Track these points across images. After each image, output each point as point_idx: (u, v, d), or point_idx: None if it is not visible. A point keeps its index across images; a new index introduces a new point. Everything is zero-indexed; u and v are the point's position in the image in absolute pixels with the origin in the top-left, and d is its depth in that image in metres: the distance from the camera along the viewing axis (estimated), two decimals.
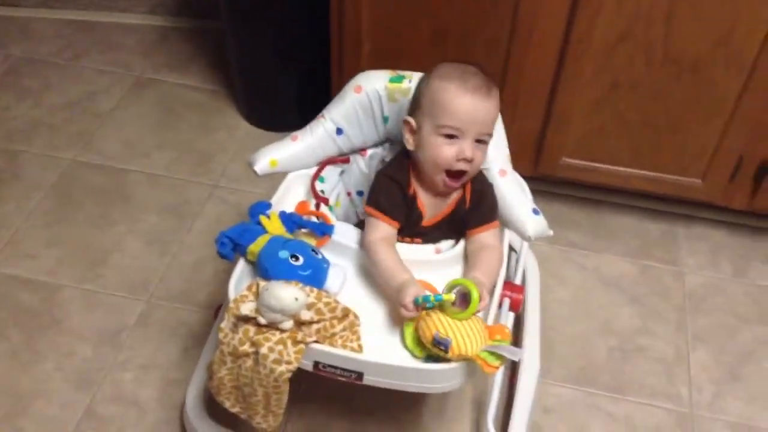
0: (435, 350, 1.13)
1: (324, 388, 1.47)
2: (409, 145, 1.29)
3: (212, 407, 1.40)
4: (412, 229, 1.32)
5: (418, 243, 1.33)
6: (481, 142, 1.25)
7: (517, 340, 1.58)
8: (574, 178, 1.87)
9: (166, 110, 2.24)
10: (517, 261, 1.58)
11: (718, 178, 1.78)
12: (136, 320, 1.67)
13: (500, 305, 1.34)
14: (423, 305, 1.14)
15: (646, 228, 1.96)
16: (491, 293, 1.24)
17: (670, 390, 1.62)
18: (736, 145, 1.71)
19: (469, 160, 1.24)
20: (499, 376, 1.45)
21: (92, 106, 2.23)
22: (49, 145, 2.09)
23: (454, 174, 1.25)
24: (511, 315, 1.38)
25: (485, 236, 1.31)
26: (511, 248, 1.55)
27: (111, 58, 2.41)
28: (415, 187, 1.30)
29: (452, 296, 1.14)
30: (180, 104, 2.26)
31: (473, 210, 1.31)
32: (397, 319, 1.22)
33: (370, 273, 1.29)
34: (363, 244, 1.28)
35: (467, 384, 1.53)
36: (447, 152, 1.24)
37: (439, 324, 1.12)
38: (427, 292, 1.16)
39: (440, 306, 1.14)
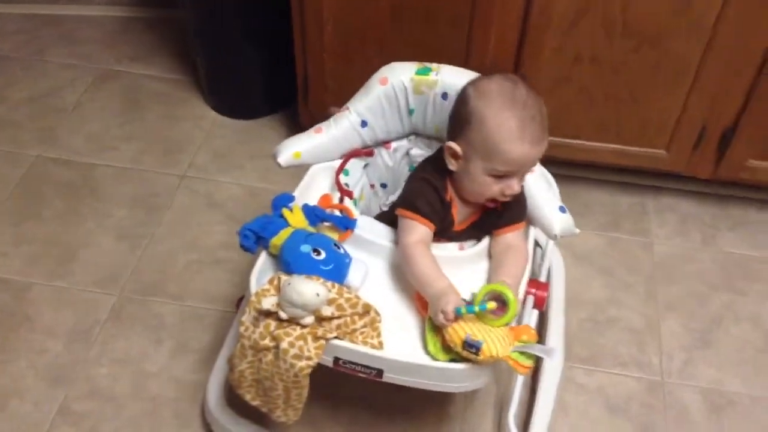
0: (465, 353, 1.11)
1: (346, 384, 1.46)
2: (452, 166, 1.25)
3: (233, 399, 1.40)
4: (442, 234, 1.31)
5: (444, 242, 1.32)
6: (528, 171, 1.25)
7: (541, 337, 1.58)
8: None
9: (131, 102, 2.22)
10: (542, 257, 1.57)
11: (683, 148, 1.80)
12: (108, 315, 1.67)
13: (524, 303, 1.33)
14: (465, 315, 1.12)
15: (616, 201, 1.98)
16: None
17: (642, 359, 1.64)
18: (699, 114, 1.73)
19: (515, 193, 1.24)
20: (519, 376, 1.44)
21: (56, 100, 2.21)
22: (14, 141, 2.07)
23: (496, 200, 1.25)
24: (535, 312, 1.37)
25: (511, 237, 1.30)
26: (536, 244, 1.54)
27: (73, 51, 2.38)
28: (452, 194, 1.28)
29: (494, 304, 1.13)
30: (145, 95, 2.24)
31: (504, 212, 1.30)
32: (419, 317, 1.21)
33: (393, 269, 1.28)
34: (399, 246, 1.26)
35: (491, 383, 1.54)
36: (494, 189, 1.23)
37: (467, 327, 1.11)
38: (469, 304, 1.14)
39: (479, 315, 1.13)
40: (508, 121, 1.16)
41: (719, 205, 1.98)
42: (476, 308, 1.12)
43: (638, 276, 1.81)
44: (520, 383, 1.45)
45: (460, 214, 1.30)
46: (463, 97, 1.24)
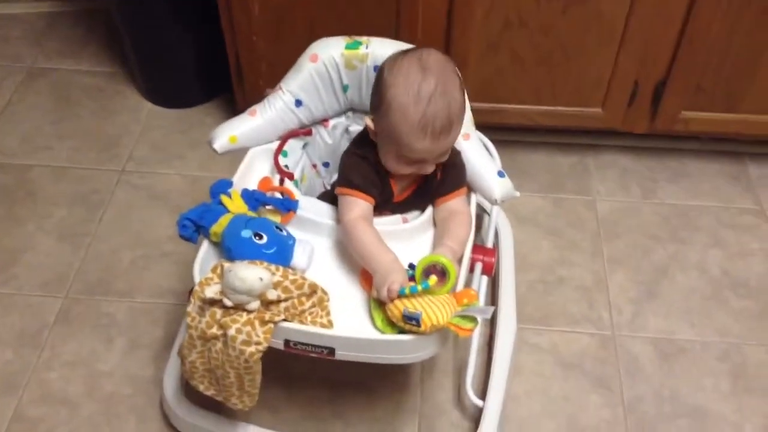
0: (407, 327, 1.11)
1: (301, 365, 1.46)
2: (372, 136, 1.25)
3: (190, 391, 1.37)
4: (383, 206, 1.30)
5: (386, 215, 1.32)
6: (445, 152, 1.24)
7: (493, 303, 1.60)
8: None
9: (63, 99, 2.17)
10: (488, 223, 1.57)
11: (617, 104, 1.82)
12: (56, 317, 1.64)
13: (472, 269, 1.34)
14: (409, 295, 1.12)
15: (557, 162, 2.00)
16: (461, 261, 1.23)
17: (592, 315, 1.67)
18: (630, 70, 1.75)
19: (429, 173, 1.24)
20: (475, 340, 1.45)
21: None
22: None
23: None
24: (485, 278, 1.38)
25: (454, 203, 1.31)
26: (482, 209, 1.54)
27: None
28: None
29: (435, 279, 1.13)
30: (77, 91, 2.19)
31: (444, 180, 1.30)
32: (366, 294, 1.21)
33: (339, 247, 1.27)
34: (341, 224, 1.25)
35: (448, 351, 1.56)
36: (407, 170, 1.23)
37: (406, 301, 1.11)
38: (412, 284, 1.14)
39: (425, 292, 1.13)
40: (411, 115, 1.15)
41: (657, 158, 2.02)
42: (419, 287, 1.12)
43: (584, 234, 1.84)
44: (475, 349, 1.47)
45: (398, 185, 1.30)
46: (378, 76, 1.23)
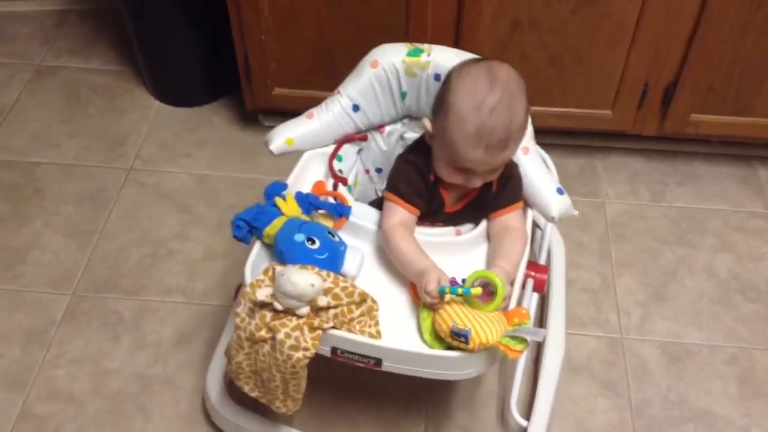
0: (455, 343, 1.10)
1: (350, 374, 1.42)
2: (428, 141, 1.25)
3: (234, 391, 1.38)
4: (434, 215, 1.30)
5: (439, 226, 1.31)
6: (497, 169, 1.22)
7: (541, 321, 1.58)
8: None
9: (71, 97, 2.17)
10: (541, 240, 1.54)
11: (627, 106, 1.81)
12: (63, 315, 1.64)
13: (524, 286, 1.31)
14: (447, 295, 1.11)
15: (565, 164, 1.99)
16: (514, 281, 1.21)
17: (599, 317, 1.66)
18: (640, 72, 1.74)
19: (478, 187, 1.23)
20: (522, 360, 1.42)
21: None
22: None
23: None
24: (535, 296, 1.36)
25: (509, 218, 1.28)
26: (536, 225, 1.51)
27: (8, 49, 2.32)
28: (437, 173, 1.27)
29: (480, 290, 1.11)
30: (86, 89, 2.19)
31: (500, 193, 1.28)
32: (416, 305, 1.19)
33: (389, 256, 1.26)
34: (380, 229, 1.25)
35: (494, 370, 1.54)
36: (455, 179, 1.22)
37: (455, 315, 1.10)
38: (452, 281, 1.13)
39: (465, 299, 1.12)
40: (468, 124, 1.14)
41: (667, 161, 2.01)
42: (459, 289, 1.10)
43: (592, 236, 1.83)
44: (521, 369, 1.43)
45: (450, 195, 1.29)
46: (446, 80, 1.22)
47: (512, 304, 1.18)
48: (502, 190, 1.28)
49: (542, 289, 1.38)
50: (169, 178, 1.95)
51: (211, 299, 1.67)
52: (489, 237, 1.30)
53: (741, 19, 1.64)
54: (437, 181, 1.27)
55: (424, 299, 1.14)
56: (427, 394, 1.52)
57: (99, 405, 1.49)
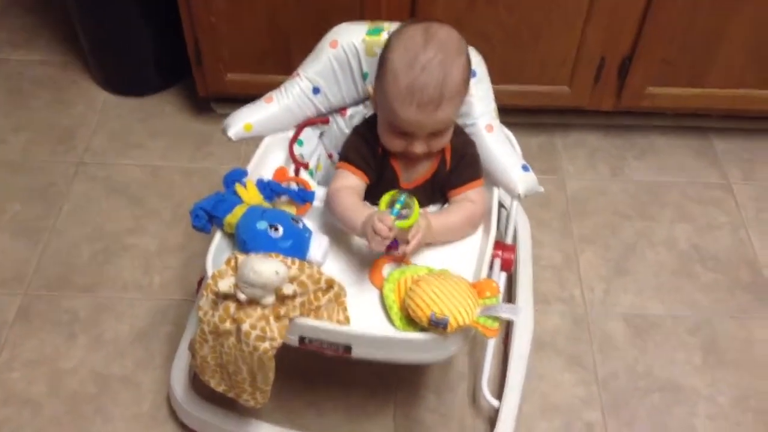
0: (432, 330, 1.08)
1: (315, 362, 1.42)
2: (374, 108, 1.24)
3: (199, 386, 1.34)
4: (390, 190, 1.27)
5: None
6: (440, 132, 1.20)
7: (510, 300, 1.57)
8: None
9: (15, 91, 2.09)
10: (507, 219, 1.51)
11: (584, 82, 1.81)
12: (15, 316, 1.58)
13: (491, 266, 1.30)
14: (396, 216, 1.10)
15: (525, 143, 1.91)
16: (434, 237, 1.20)
17: (563, 294, 1.66)
18: (596, 46, 1.74)
19: (420, 155, 1.20)
20: (491, 339, 1.41)
21: None
22: None
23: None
24: (503, 275, 1.35)
25: (466, 195, 1.27)
26: (501, 205, 1.48)
27: None
28: None
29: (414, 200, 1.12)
30: (30, 82, 2.12)
31: (456, 170, 1.27)
32: (380, 291, 1.17)
33: (356, 241, 1.23)
34: (326, 193, 1.24)
35: (463, 350, 1.52)
36: (396, 144, 1.21)
37: (430, 302, 1.08)
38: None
39: (406, 207, 1.12)
40: (400, 80, 1.14)
41: (625, 136, 2.01)
42: (398, 206, 1.11)
43: (553, 213, 1.83)
44: (491, 349, 1.42)
45: (403, 169, 1.27)
46: (386, 40, 1.21)
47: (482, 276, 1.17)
48: (457, 167, 1.27)
49: (510, 268, 1.37)
50: (121, 170, 1.89)
51: (170, 293, 1.63)
52: None
53: None
54: (387, 152, 1.25)
55: (373, 245, 1.10)
56: (395, 378, 1.50)
57: (57, 407, 1.45)
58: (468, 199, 1.27)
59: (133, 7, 1.93)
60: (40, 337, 1.55)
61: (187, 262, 1.69)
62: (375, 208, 1.17)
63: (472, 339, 1.55)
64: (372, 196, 1.25)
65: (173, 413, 1.43)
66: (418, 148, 1.20)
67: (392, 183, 1.26)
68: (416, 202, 1.13)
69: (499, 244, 1.37)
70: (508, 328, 1.54)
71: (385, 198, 1.14)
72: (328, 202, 1.24)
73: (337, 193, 1.22)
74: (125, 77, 2.08)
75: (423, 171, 1.27)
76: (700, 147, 1.99)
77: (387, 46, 1.18)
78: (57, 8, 2.30)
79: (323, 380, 1.49)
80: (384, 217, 1.10)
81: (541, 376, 1.52)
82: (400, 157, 1.26)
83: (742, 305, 1.65)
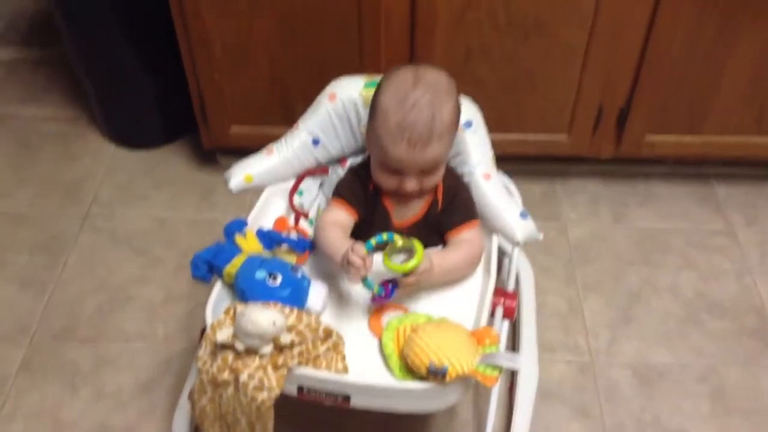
0: (431, 379, 1.08)
1: (315, 413, 1.41)
2: (367, 148, 1.28)
3: None
4: (383, 229, 1.27)
5: None
6: (432, 170, 1.22)
7: (513, 348, 1.56)
8: None
9: (23, 145, 2.13)
10: (509, 266, 1.51)
11: (583, 130, 1.83)
12: (19, 367, 1.58)
13: (493, 313, 1.30)
14: (372, 248, 1.11)
15: (526, 189, 1.92)
16: (434, 279, 1.20)
17: (568, 341, 1.65)
18: (594, 95, 1.76)
19: (411, 192, 1.22)
20: (496, 389, 1.38)
21: None
22: None
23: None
24: (506, 323, 1.34)
25: (464, 235, 1.27)
26: (503, 252, 1.49)
27: None
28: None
29: (401, 241, 1.12)
30: (38, 137, 2.16)
31: (447, 211, 1.28)
32: (379, 339, 1.16)
33: (354, 290, 1.23)
34: (314, 226, 1.29)
35: (468, 399, 1.52)
36: (389, 182, 1.23)
37: (429, 351, 1.07)
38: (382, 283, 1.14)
39: (387, 252, 1.12)
40: (390, 118, 1.16)
41: (625, 182, 2.02)
42: (384, 235, 1.13)
43: (556, 260, 1.83)
44: (495, 399, 1.39)
45: (395, 208, 1.28)
46: (378, 83, 1.24)
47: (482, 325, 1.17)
48: (449, 207, 1.28)
49: (512, 316, 1.36)
50: (127, 221, 1.91)
51: (174, 344, 1.63)
52: None
53: (688, 40, 1.66)
54: (378, 191, 1.27)
55: (348, 272, 1.12)
56: (397, 426, 1.48)
57: None
58: (464, 239, 1.27)
59: (139, 64, 1.98)
60: (41, 389, 1.55)
61: (191, 311, 1.69)
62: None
63: (476, 387, 1.55)
64: (364, 236, 1.24)
65: None
66: (410, 185, 1.21)
67: (384, 222, 1.28)
68: (419, 246, 1.13)
69: (500, 292, 1.37)
70: (513, 376, 1.53)
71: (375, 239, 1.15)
72: (315, 235, 1.27)
73: (324, 226, 1.25)
74: (132, 131, 2.12)
75: (415, 210, 1.29)
76: (702, 193, 1.99)
77: (378, 88, 1.21)
78: (66, 65, 2.34)
79: (325, 430, 1.47)
80: (357, 248, 1.11)
81: (547, 426, 1.50)
82: (392, 196, 1.27)
83: (750, 353, 1.63)
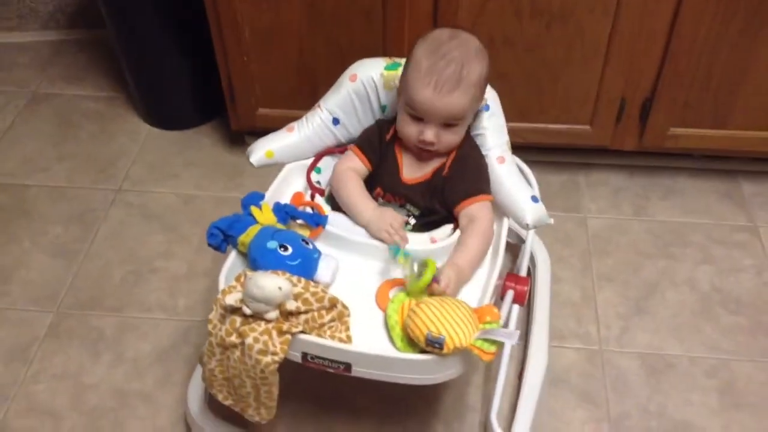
0: (429, 349, 1.11)
1: (327, 385, 1.49)
2: (398, 99, 1.32)
3: (214, 404, 1.39)
4: (392, 182, 1.33)
5: (400, 203, 1.34)
6: (452, 125, 1.26)
7: (526, 334, 1.59)
8: None
9: (64, 122, 2.22)
10: (522, 250, 1.54)
11: (605, 121, 1.83)
12: (46, 332, 1.66)
13: (503, 296, 1.33)
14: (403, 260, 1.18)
15: (547, 180, 2.00)
16: (467, 275, 1.24)
17: (579, 330, 1.66)
18: (616, 86, 1.76)
19: (430, 143, 1.26)
20: (503, 372, 1.42)
21: None
22: None
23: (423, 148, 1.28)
24: (516, 307, 1.36)
25: (473, 208, 1.29)
26: (520, 239, 1.50)
27: (3, 78, 2.38)
28: (398, 137, 1.34)
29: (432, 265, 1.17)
30: (78, 115, 2.24)
31: (453, 180, 1.31)
32: (383, 313, 1.20)
33: (365, 265, 1.26)
34: (333, 171, 1.36)
35: (477, 383, 1.56)
36: (409, 130, 1.28)
37: (428, 322, 1.10)
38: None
39: (412, 272, 1.17)
40: (422, 63, 1.23)
41: (650, 176, 2.02)
42: (405, 252, 1.19)
43: (573, 250, 1.83)
44: (502, 381, 1.43)
45: (406, 163, 1.33)
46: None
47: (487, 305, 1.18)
48: (457, 176, 1.31)
49: (523, 301, 1.38)
50: (156, 198, 1.98)
51: (193, 315, 1.69)
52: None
53: (712, 34, 1.65)
54: (393, 140, 1.34)
55: (382, 235, 1.25)
56: (405, 406, 1.52)
57: (76, 419, 1.50)
58: (476, 213, 1.29)
59: (175, 49, 2.05)
60: (67, 352, 1.62)
61: (211, 286, 1.75)
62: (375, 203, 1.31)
63: (486, 372, 1.57)
64: (373, 182, 1.35)
65: (188, 430, 1.47)
66: (429, 135, 1.25)
67: (393, 175, 1.33)
68: (432, 264, 1.17)
69: (512, 276, 1.39)
70: (524, 361, 1.55)
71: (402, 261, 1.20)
72: (333, 181, 1.34)
73: (342, 174, 1.34)
74: (166, 112, 2.19)
75: (425, 171, 1.33)
76: (727, 190, 1.98)
77: (415, 43, 1.28)
78: (107, 48, 2.43)
79: (334, 407, 1.51)
80: (397, 227, 1.26)
81: (552, 412, 1.52)
82: (405, 151, 1.33)
83: (764, 349, 1.62)
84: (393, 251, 1.20)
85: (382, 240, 1.26)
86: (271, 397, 1.17)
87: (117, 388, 1.55)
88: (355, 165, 1.35)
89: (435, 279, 1.16)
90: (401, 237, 1.25)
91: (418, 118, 1.26)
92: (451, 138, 1.28)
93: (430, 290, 1.17)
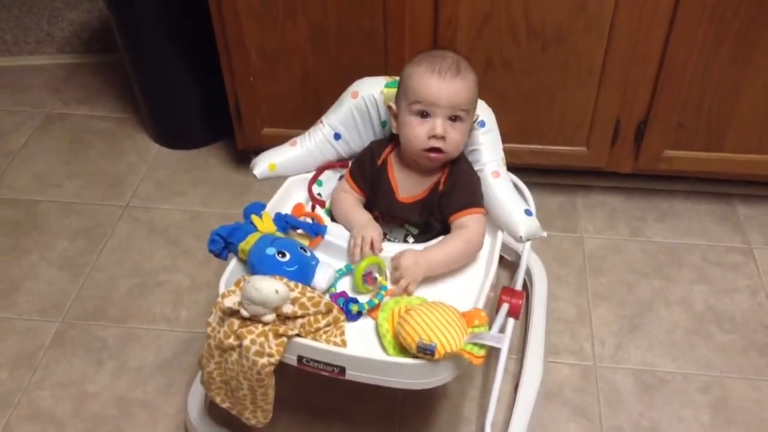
0: (421, 356, 1.13)
1: (319, 396, 1.51)
2: (393, 128, 1.37)
3: (214, 411, 1.44)
4: (388, 204, 1.37)
5: (399, 223, 1.39)
6: (457, 119, 1.30)
7: (523, 349, 1.62)
8: None
9: (76, 141, 2.28)
10: (518, 265, 1.57)
11: (601, 143, 1.87)
12: (51, 341, 1.70)
13: (497, 310, 1.35)
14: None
15: (545, 201, 2.04)
16: (432, 267, 1.28)
17: (573, 346, 1.68)
18: (611, 109, 1.80)
19: (440, 137, 1.29)
20: (498, 383, 1.44)
21: (2, 145, 2.27)
22: None
23: (433, 150, 1.32)
24: (510, 321, 1.38)
25: (464, 220, 1.33)
26: (517, 255, 1.53)
27: (20, 98, 2.46)
28: (390, 160, 1.39)
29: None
30: (90, 134, 2.31)
31: (448, 195, 1.34)
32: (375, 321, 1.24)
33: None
34: (331, 197, 1.43)
35: (473, 396, 1.58)
36: (419, 130, 1.30)
37: (419, 329, 1.13)
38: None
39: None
40: (422, 60, 1.31)
41: (646, 198, 2.05)
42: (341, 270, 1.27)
43: (569, 269, 1.86)
44: (496, 393, 1.44)
45: (401, 182, 1.37)
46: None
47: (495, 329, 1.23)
48: (452, 189, 1.34)
49: (517, 315, 1.41)
50: (163, 214, 2.03)
51: (195, 327, 1.72)
52: None
53: (703, 58, 1.70)
54: (385, 165, 1.38)
55: (352, 243, 1.30)
56: (400, 417, 1.54)
57: (78, 426, 1.53)
58: (463, 226, 1.33)
59: (185, 73, 2.12)
60: (71, 361, 1.66)
61: (214, 298, 1.74)
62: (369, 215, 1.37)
63: (482, 385, 1.59)
64: (370, 208, 1.40)
65: None
66: (440, 128, 1.28)
67: (389, 196, 1.37)
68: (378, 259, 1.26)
69: (507, 290, 1.42)
70: (519, 375, 1.57)
71: (365, 263, 1.26)
72: (332, 204, 1.40)
73: (339, 196, 1.42)
74: (175, 132, 2.25)
75: (422, 187, 1.36)
76: (723, 212, 2.00)
77: (406, 66, 1.34)
78: (120, 71, 2.50)
79: (329, 418, 1.54)
80: (373, 244, 1.28)
81: (546, 425, 1.53)
82: (400, 171, 1.37)
83: (757, 367, 1.64)
84: (339, 273, 1.27)
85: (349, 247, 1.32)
86: (267, 400, 1.20)
87: (119, 396, 1.59)
88: (348, 190, 1.41)
89: (369, 271, 1.25)
90: (363, 252, 1.28)
91: (425, 115, 1.29)
92: (457, 138, 1.31)
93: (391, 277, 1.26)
